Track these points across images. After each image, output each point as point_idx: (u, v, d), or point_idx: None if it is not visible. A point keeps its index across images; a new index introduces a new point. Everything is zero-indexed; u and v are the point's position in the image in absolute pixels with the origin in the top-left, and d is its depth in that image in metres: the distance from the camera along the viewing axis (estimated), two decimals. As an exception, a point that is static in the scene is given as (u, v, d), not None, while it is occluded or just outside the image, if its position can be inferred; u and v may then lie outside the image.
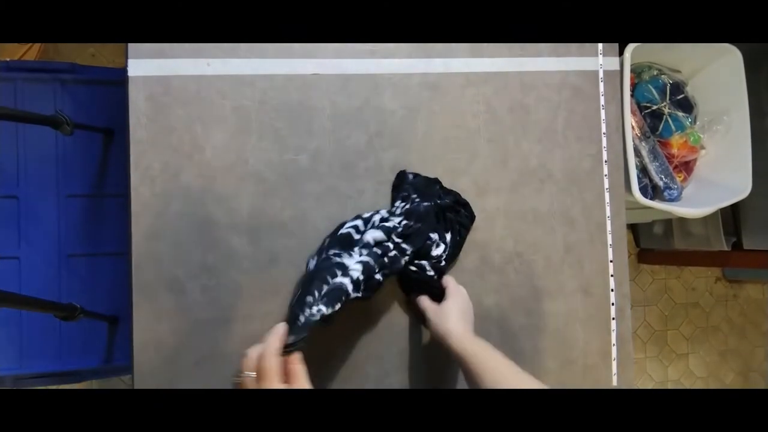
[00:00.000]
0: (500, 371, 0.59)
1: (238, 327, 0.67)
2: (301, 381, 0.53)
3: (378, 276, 0.63)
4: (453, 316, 0.65)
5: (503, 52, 0.78)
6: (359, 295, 0.61)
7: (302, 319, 0.57)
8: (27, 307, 0.78)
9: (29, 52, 1.26)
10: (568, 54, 0.80)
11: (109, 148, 0.92)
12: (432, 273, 0.70)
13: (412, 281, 0.69)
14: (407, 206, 0.69)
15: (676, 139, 1.05)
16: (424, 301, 0.68)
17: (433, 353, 0.72)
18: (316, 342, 0.69)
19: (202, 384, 0.65)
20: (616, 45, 0.83)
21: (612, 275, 0.79)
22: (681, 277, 1.90)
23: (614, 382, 0.78)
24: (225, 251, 0.67)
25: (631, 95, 1.03)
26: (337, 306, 0.58)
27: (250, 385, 0.52)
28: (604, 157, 0.80)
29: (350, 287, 0.60)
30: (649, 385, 1.86)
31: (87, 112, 0.89)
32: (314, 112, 0.71)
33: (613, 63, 0.82)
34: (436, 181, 0.73)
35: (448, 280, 0.70)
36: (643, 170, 1.04)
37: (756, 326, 1.99)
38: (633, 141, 0.97)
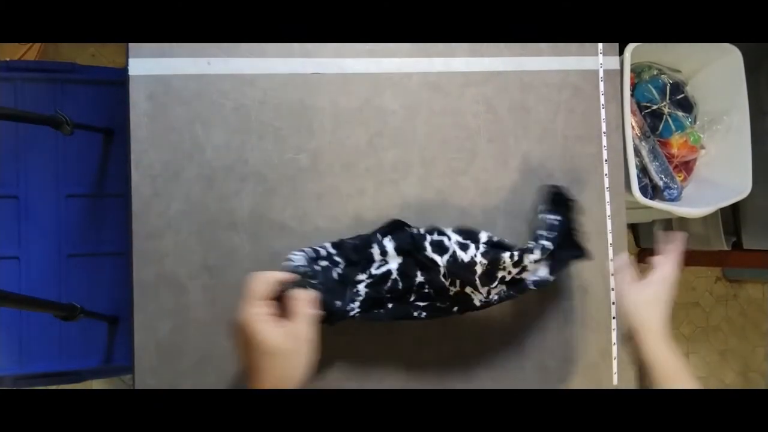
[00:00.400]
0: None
1: (238, 327, 0.67)
2: (300, 324, 0.47)
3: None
4: (654, 306, 0.58)
5: (503, 52, 0.78)
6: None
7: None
8: (27, 307, 0.78)
9: (29, 52, 1.26)
10: (568, 54, 0.80)
11: (109, 148, 0.92)
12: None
13: None
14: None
15: (676, 139, 1.05)
16: (626, 272, 0.60)
17: (432, 354, 0.72)
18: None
19: (202, 384, 0.65)
20: (616, 45, 0.83)
21: (612, 274, 0.79)
22: (681, 277, 1.90)
23: (614, 382, 0.78)
24: (225, 251, 0.67)
25: (631, 95, 1.03)
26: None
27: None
28: (604, 156, 0.80)
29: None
30: (649, 385, 1.86)
31: (87, 112, 0.89)
32: (314, 111, 0.71)
33: (613, 63, 0.82)
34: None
35: (666, 259, 0.61)
36: (643, 170, 1.04)
37: (756, 326, 1.99)
38: (633, 141, 0.97)
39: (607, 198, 0.80)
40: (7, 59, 1.15)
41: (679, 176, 1.07)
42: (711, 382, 1.92)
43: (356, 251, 0.63)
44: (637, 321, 0.57)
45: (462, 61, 0.76)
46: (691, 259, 1.64)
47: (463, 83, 0.76)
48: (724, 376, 1.95)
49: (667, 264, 0.61)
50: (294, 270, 0.55)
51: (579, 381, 0.77)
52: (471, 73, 0.76)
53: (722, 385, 1.94)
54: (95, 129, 0.90)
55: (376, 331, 0.71)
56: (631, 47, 0.92)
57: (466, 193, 0.74)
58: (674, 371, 0.55)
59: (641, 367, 0.56)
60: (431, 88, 0.75)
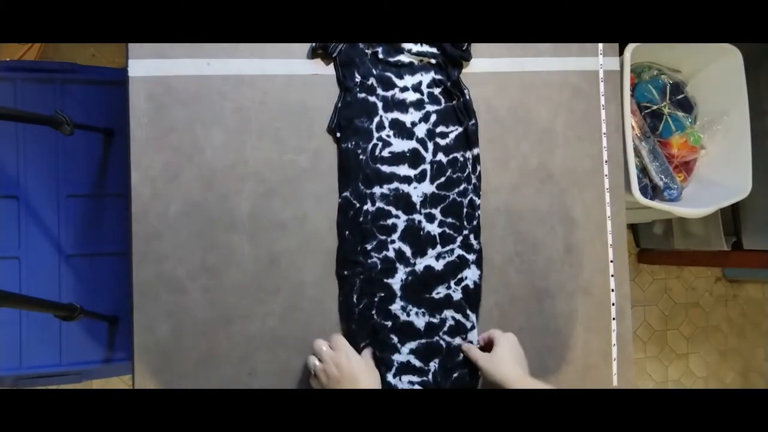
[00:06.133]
0: None
1: (238, 327, 0.67)
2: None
3: None
4: (507, 361, 0.64)
5: (503, 52, 0.77)
6: None
7: None
8: (27, 307, 0.78)
9: (29, 52, 1.25)
10: (568, 54, 0.80)
11: (109, 148, 0.92)
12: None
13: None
14: None
15: (676, 139, 1.05)
16: (473, 351, 0.69)
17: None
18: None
19: (202, 384, 0.65)
20: (616, 45, 0.83)
21: (612, 275, 0.79)
22: (681, 277, 1.90)
23: (614, 382, 0.78)
24: (225, 251, 0.67)
25: (631, 95, 1.03)
26: None
27: None
28: (604, 157, 0.80)
29: None
30: (649, 385, 1.86)
31: (87, 112, 0.89)
32: (314, 112, 0.71)
33: (613, 63, 0.82)
34: None
35: (492, 331, 0.70)
36: (643, 170, 1.04)
37: (756, 326, 1.99)
38: (633, 141, 0.97)
39: (607, 199, 0.80)
40: (7, 59, 1.15)
41: (679, 176, 1.06)
42: (711, 382, 1.92)
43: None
44: (500, 375, 0.63)
45: (462, 62, 0.76)
46: (691, 259, 1.64)
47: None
48: (724, 376, 1.95)
49: (498, 334, 0.69)
50: None
51: (579, 382, 0.77)
52: (471, 74, 0.76)
53: (722, 385, 1.94)
54: (95, 129, 0.90)
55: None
56: (631, 47, 0.92)
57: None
58: None
59: None
60: (431, 88, 0.75)
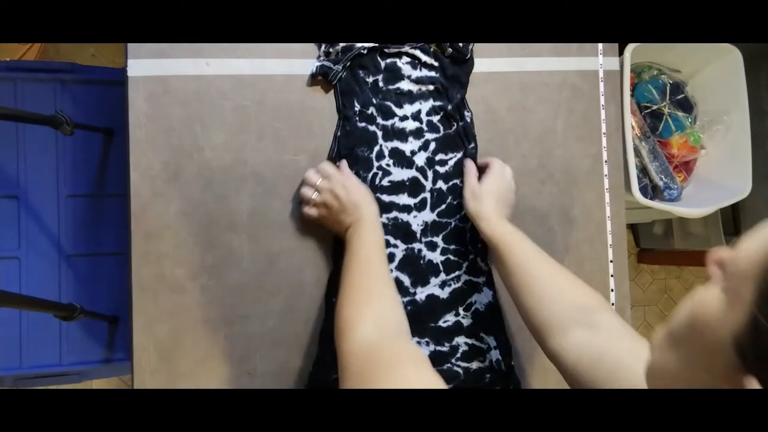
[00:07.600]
0: (526, 255, 0.60)
1: (238, 327, 0.67)
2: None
3: None
4: (489, 198, 0.66)
5: (503, 52, 0.77)
6: None
7: None
8: (27, 307, 0.78)
9: (29, 52, 1.26)
10: (568, 54, 0.80)
11: (109, 148, 0.92)
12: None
13: None
14: None
15: (676, 139, 1.05)
16: (470, 176, 0.69)
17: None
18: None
19: (202, 384, 0.65)
20: (616, 45, 0.83)
21: (612, 275, 0.79)
22: (681, 277, 1.90)
23: (614, 383, 0.78)
24: (225, 251, 0.67)
25: (631, 95, 1.03)
26: None
27: None
28: (604, 157, 0.80)
29: None
30: (649, 385, 1.86)
31: (87, 112, 0.89)
32: (313, 112, 0.71)
33: (613, 63, 0.82)
34: None
35: (494, 160, 0.71)
36: (643, 170, 1.04)
37: (756, 326, 1.99)
38: (633, 141, 0.97)
39: (607, 199, 0.80)
40: (7, 59, 1.15)
41: (679, 176, 1.07)
42: (711, 382, 1.92)
43: None
44: (476, 210, 0.65)
45: (462, 62, 0.76)
46: (691, 259, 1.64)
47: (462, 83, 0.76)
48: (724, 376, 1.95)
49: (497, 166, 0.70)
50: None
51: (578, 381, 0.77)
52: (471, 73, 0.76)
53: (722, 385, 1.94)
54: (95, 129, 0.90)
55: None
56: (631, 47, 0.92)
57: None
58: (518, 241, 0.61)
59: (488, 245, 0.64)
60: (431, 88, 0.75)
